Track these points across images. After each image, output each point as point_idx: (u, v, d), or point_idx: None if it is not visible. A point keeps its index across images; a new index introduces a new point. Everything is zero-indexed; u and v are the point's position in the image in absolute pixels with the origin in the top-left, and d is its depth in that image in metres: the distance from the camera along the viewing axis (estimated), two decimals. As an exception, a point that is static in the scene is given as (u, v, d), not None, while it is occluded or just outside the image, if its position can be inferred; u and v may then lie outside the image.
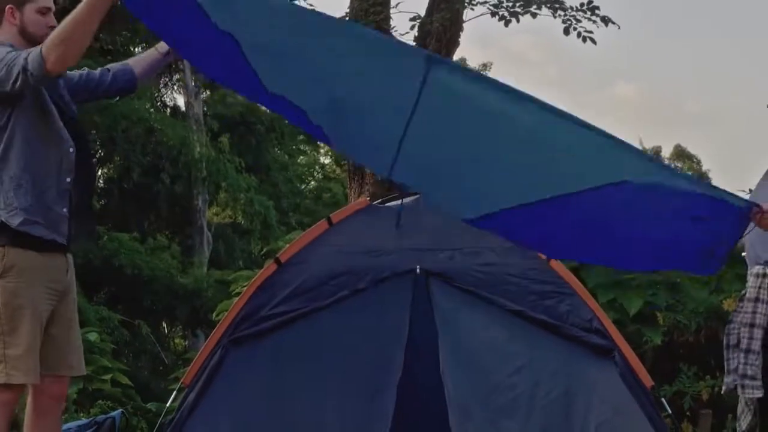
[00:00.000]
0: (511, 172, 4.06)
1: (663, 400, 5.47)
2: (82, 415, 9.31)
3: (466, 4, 9.16)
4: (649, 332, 9.84)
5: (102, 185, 27.88)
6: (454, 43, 9.24)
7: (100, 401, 9.99)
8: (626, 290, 9.61)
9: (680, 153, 52.66)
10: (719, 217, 3.90)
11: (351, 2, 9.21)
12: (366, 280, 5.55)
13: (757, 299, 4.85)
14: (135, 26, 27.00)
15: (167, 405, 5.90)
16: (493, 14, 9.11)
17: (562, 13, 9.15)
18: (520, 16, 8.98)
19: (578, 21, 9.11)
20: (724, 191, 3.91)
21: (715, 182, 47.19)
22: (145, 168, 26.73)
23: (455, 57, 9.95)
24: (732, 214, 3.89)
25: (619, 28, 9.15)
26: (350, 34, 4.06)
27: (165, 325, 27.50)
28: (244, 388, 5.35)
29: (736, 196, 3.96)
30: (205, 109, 29.27)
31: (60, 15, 4.56)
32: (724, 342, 4.77)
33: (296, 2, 4.08)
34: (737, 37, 74.97)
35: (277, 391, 5.42)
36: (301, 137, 34.79)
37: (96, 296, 22.26)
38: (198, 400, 5.25)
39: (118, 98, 4.70)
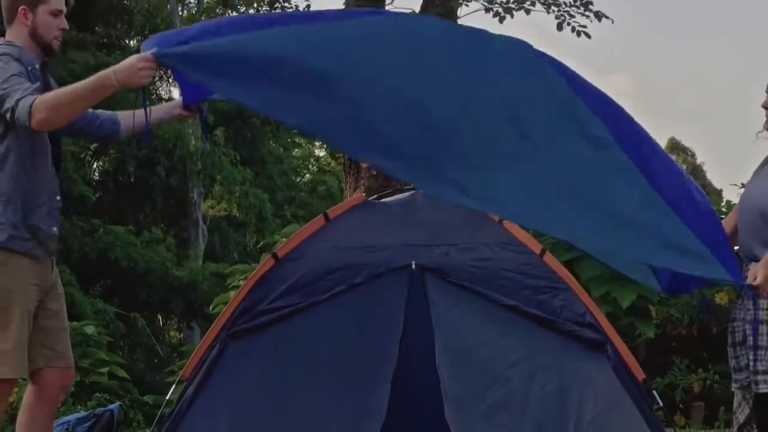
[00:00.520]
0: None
1: (655, 392, 5.50)
2: (79, 407, 9.37)
3: (460, 1, 9.20)
4: (642, 325, 9.92)
5: (97, 178, 27.87)
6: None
7: (97, 394, 10.05)
8: (619, 284, 9.65)
9: (675, 146, 52.65)
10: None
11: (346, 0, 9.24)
12: (362, 275, 5.57)
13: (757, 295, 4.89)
14: (130, 19, 27.08)
15: (167, 397, 5.95)
16: (488, 10, 9.15)
17: (556, 9, 9.20)
18: (514, 12, 9.02)
19: (572, 16, 9.15)
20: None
21: (709, 176, 47.16)
22: (141, 161, 26.72)
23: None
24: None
25: (612, 22, 9.21)
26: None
27: (160, 317, 27.56)
28: (242, 382, 5.38)
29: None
30: (200, 102, 29.23)
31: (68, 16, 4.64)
32: (729, 340, 4.81)
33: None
34: (732, 31, 75.05)
35: (274, 384, 5.45)
36: (296, 130, 34.78)
37: (91, 289, 22.32)
38: (197, 393, 5.27)
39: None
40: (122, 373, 11.16)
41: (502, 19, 8.92)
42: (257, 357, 5.47)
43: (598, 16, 9.09)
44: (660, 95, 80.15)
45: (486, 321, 5.52)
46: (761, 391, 4.55)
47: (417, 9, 9.13)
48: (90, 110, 4.69)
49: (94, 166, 28.47)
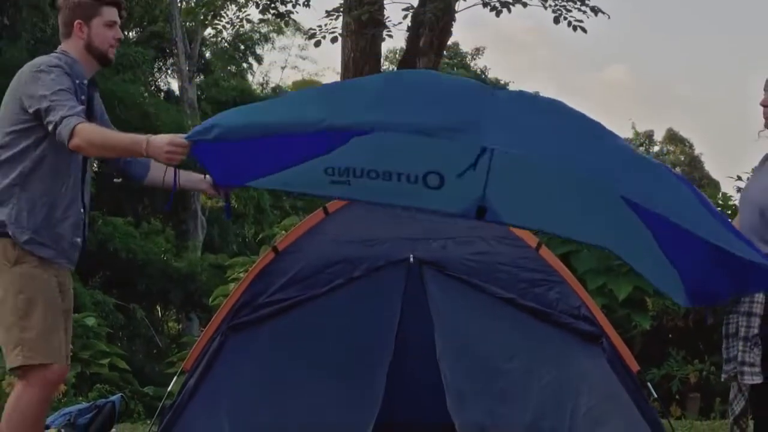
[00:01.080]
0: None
1: (649, 384, 5.57)
2: (80, 398, 9.44)
3: (458, -4, 9.26)
4: (638, 317, 9.97)
5: (96, 169, 27.90)
6: (446, 33, 9.34)
7: (98, 385, 10.12)
8: (615, 276, 9.72)
9: (672, 137, 52.68)
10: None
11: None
12: (361, 268, 5.64)
13: None
14: (129, 10, 27.03)
15: (168, 389, 6.02)
16: (485, 4, 9.19)
17: (553, 4, 9.24)
18: (511, 7, 9.07)
19: (568, 11, 9.20)
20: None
21: (707, 166, 47.21)
22: (140, 152, 26.82)
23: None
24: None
25: (608, 17, 9.26)
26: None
27: (159, 308, 27.58)
28: (242, 374, 5.46)
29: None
30: (199, 93, 29.27)
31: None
32: (723, 331, 4.89)
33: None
34: (729, 23, 74.99)
35: (274, 375, 5.54)
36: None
37: (91, 280, 22.34)
38: (198, 385, 5.34)
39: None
40: (123, 365, 11.23)
41: (498, 13, 8.99)
42: (257, 349, 5.54)
43: (594, 10, 9.15)
44: (657, 85, 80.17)
45: (484, 314, 5.60)
46: (746, 382, 4.63)
47: (415, 3, 9.20)
48: None
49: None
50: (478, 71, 43.90)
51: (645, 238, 4.34)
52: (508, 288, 5.56)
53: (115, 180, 5.18)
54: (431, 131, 3.85)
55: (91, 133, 4.19)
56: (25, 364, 4.31)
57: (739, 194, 11.25)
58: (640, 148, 52.74)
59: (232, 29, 30.95)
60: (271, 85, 36.22)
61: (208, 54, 32.13)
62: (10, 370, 4.47)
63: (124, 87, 23.59)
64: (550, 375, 5.46)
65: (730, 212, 11.10)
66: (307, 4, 9.92)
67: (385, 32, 9.00)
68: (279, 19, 11.37)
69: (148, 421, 8.90)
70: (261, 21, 30.92)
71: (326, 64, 67.77)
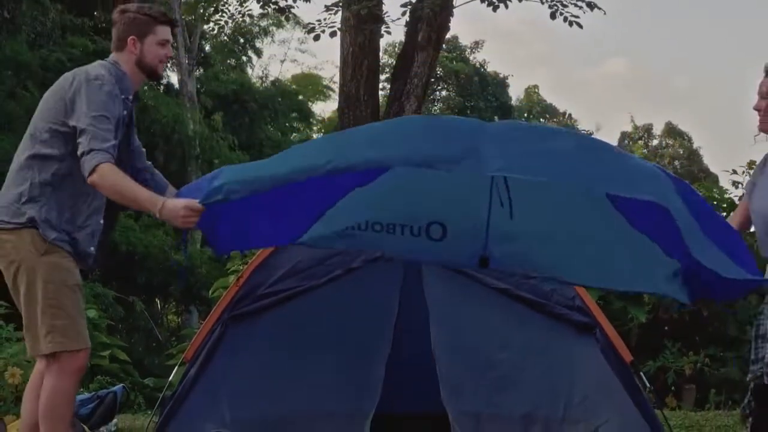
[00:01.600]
0: None
1: (642, 374, 5.63)
2: (81, 389, 9.51)
3: (456, -9, 9.30)
4: (634, 309, 10.02)
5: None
6: (444, 28, 9.41)
7: (98, 377, 10.18)
8: (612, 268, 9.77)
9: (671, 130, 52.73)
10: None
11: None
12: (358, 259, 5.72)
13: None
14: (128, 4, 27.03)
15: (169, 379, 6.08)
16: (482, 0, 9.24)
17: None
18: (508, 2, 9.12)
19: (564, 6, 9.25)
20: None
21: (706, 160, 47.16)
22: (139, 145, 26.84)
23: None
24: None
25: (604, 13, 9.32)
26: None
27: (159, 301, 27.62)
28: (243, 363, 5.54)
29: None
30: (198, 86, 29.28)
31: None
32: (753, 333, 4.89)
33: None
34: (727, 15, 74.98)
35: (273, 365, 5.62)
36: (294, 115, 34.82)
37: (90, 273, 22.40)
38: (199, 374, 5.42)
39: None
40: (123, 356, 11.29)
41: (495, 8, 9.05)
42: (257, 339, 5.62)
43: (591, 6, 9.20)
44: (656, 79, 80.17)
45: (479, 304, 5.69)
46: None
47: (413, -2, 9.24)
48: (151, 166, 5.06)
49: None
50: (477, 65, 43.91)
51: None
52: (503, 279, 5.64)
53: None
54: (432, 162, 3.90)
55: (110, 178, 4.31)
56: (58, 350, 4.43)
57: (734, 188, 11.37)
58: (639, 142, 52.83)
59: (233, 24, 31.11)
60: (271, 78, 36.27)
61: (207, 47, 32.16)
62: (39, 356, 4.58)
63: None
64: (544, 365, 5.54)
65: (725, 206, 11.18)
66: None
67: (383, 28, 9.06)
68: (280, 14, 11.42)
69: (149, 412, 8.98)
70: (262, 16, 31.01)
71: (325, 57, 67.77)
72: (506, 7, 9.06)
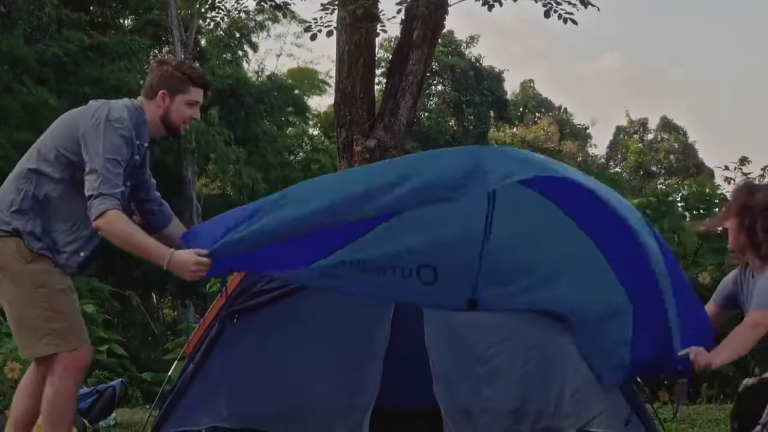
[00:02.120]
0: None
1: None
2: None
3: (451, -10, 9.34)
4: (628, 304, 10.09)
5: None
6: (439, 26, 9.46)
7: (96, 371, 10.25)
8: (605, 264, 9.83)
9: (666, 124, 52.77)
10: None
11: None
12: (355, 257, 5.78)
13: None
14: (125, -1, 27.14)
15: (168, 373, 6.14)
16: (477, -1, 9.27)
17: (543, -3, 9.33)
18: (503, 0, 9.17)
19: (558, 3, 9.29)
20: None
21: (701, 154, 47.22)
22: (135, 140, 26.83)
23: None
24: None
25: (598, 10, 9.37)
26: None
27: (155, 296, 27.68)
28: (241, 359, 5.59)
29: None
30: (194, 81, 29.25)
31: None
32: None
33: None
34: (722, 9, 74.95)
35: (271, 360, 5.68)
36: (290, 109, 34.87)
37: (86, 268, 22.46)
38: (198, 370, 5.47)
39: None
40: (121, 351, 11.34)
41: (491, 7, 9.09)
42: (255, 335, 5.67)
43: (584, 3, 9.24)
44: (651, 73, 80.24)
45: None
46: None
47: (407, -4, 9.27)
48: (159, 198, 5.10)
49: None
50: (473, 59, 43.95)
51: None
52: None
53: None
54: (439, 193, 3.98)
55: (118, 226, 4.36)
56: (57, 351, 4.48)
57: (727, 184, 11.44)
58: (635, 136, 52.91)
59: (228, 19, 31.13)
60: (267, 72, 36.29)
61: (203, 42, 32.18)
62: (37, 359, 4.63)
63: (119, 75, 23.66)
64: (535, 359, 5.61)
65: (717, 201, 11.26)
66: (304, -5, 10.06)
67: (379, 26, 9.12)
68: (277, 11, 11.47)
69: (147, 406, 9.05)
70: (258, 12, 31.04)
71: (321, 52, 67.55)
72: (500, 4, 9.11)
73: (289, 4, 10.26)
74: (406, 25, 9.35)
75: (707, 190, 11.60)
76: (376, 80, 11.41)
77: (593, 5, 9.32)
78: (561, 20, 9.23)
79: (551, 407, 5.75)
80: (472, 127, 42.90)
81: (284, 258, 4.63)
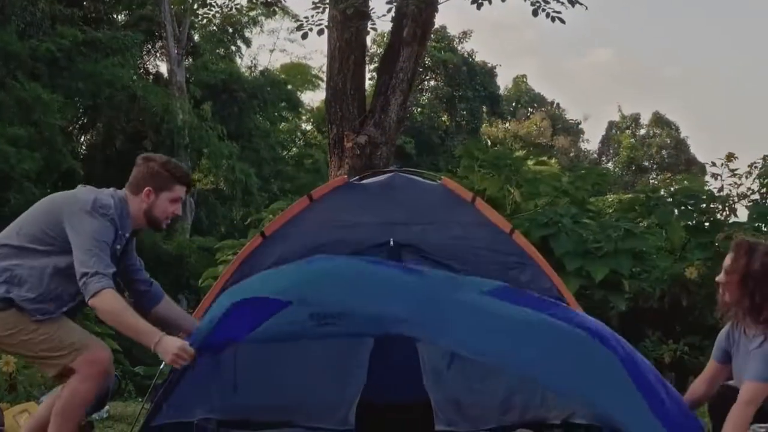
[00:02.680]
0: None
1: None
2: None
3: (440, -12, 9.42)
4: (615, 298, 10.20)
5: (85, 152, 28.01)
6: (429, 24, 9.54)
7: (90, 365, 10.34)
8: (592, 259, 9.94)
9: (659, 120, 52.89)
10: None
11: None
12: (344, 251, 5.75)
13: None
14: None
15: (160, 368, 6.21)
16: (466, -3, 9.33)
17: (530, -5, 9.40)
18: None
19: (546, 2, 9.37)
20: None
21: (692, 150, 47.37)
22: (128, 135, 26.87)
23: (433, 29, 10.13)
24: None
25: (586, 8, 9.45)
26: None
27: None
28: (231, 351, 5.58)
29: None
30: (187, 76, 29.36)
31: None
32: None
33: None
34: (714, 4, 75.11)
35: (262, 354, 5.71)
36: (283, 104, 34.93)
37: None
38: (189, 365, 5.54)
39: None
40: (114, 345, 11.40)
41: (479, 6, 9.18)
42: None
43: (572, 2, 9.32)
44: (644, 68, 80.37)
45: (459, 295, 5.83)
46: None
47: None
48: (149, 279, 5.20)
49: (82, 139, 28.62)
50: (465, 54, 44.05)
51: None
52: (482, 270, 5.74)
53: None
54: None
55: (112, 305, 4.51)
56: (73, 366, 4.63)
57: (713, 180, 11.57)
58: (627, 131, 53.04)
59: (221, 16, 31.16)
60: (260, 68, 36.35)
61: (196, 37, 32.23)
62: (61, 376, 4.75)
63: (113, 70, 23.72)
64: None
65: (704, 197, 11.37)
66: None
67: (369, 24, 9.20)
68: (266, 8, 11.57)
69: (139, 399, 9.13)
70: (250, 9, 31.08)
71: (314, 47, 67.75)
72: (489, 3, 9.19)
73: (280, 1, 10.34)
74: (397, 22, 9.43)
75: (695, 186, 11.72)
76: (369, 75, 11.49)
77: (581, 3, 9.40)
78: (549, 19, 9.31)
79: (538, 399, 5.87)
80: (465, 123, 43.05)
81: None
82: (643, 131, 53.80)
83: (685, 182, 13.05)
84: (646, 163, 51.39)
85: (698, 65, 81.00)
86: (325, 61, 9.77)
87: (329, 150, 9.81)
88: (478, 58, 44.74)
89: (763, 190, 12.01)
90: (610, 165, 51.92)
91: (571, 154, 50.20)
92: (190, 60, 30.68)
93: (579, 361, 4.42)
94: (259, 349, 5.75)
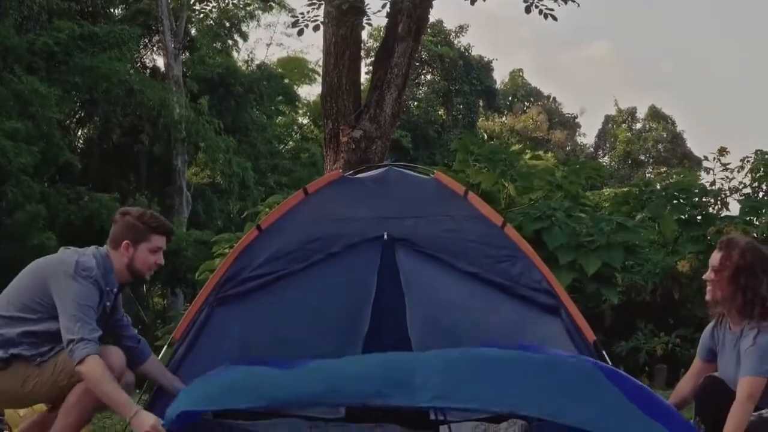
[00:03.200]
0: None
1: (604, 353, 5.85)
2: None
3: (434, -16, 9.46)
4: (607, 292, 10.32)
5: (82, 145, 28.06)
6: (424, 20, 9.60)
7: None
8: (585, 252, 10.05)
9: (655, 114, 52.90)
10: None
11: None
12: (338, 244, 5.96)
13: None
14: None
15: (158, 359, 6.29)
16: (460, -5, 9.37)
17: (523, -8, 9.43)
18: (485, -3, 9.29)
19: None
20: None
21: (689, 143, 47.45)
22: (125, 129, 26.94)
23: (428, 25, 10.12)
24: None
25: (578, 6, 9.50)
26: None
27: (144, 284, 27.75)
28: (228, 343, 5.75)
29: None
30: (184, 70, 29.40)
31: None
32: None
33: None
34: (713, -1, 75.14)
35: (257, 344, 5.80)
36: (280, 98, 34.98)
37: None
38: (186, 354, 5.67)
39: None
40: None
41: (473, 2, 9.24)
42: (242, 320, 5.85)
43: (565, -1, 9.38)
44: (640, 62, 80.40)
45: (451, 286, 5.93)
46: None
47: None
48: (137, 336, 5.36)
49: (79, 133, 28.66)
50: (462, 48, 44.09)
51: None
52: (474, 263, 5.88)
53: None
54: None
55: (95, 372, 4.60)
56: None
57: (705, 174, 11.70)
58: (623, 125, 53.09)
59: (218, 10, 31.20)
60: (257, 62, 36.39)
61: (193, 31, 32.26)
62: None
63: (110, 65, 23.75)
64: (512, 343, 5.76)
65: (697, 191, 11.49)
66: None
67: (364, 20, 9.23)
68: (263, 2, 11.64)
69: (137, 390, 9.21)
70: (246, 4, 31.14)
71: (311, 41, 67.73)
72: (484, 0, 9.26)
73: (275, -2, 10.38)
74: (391, 18, 9.49)
75: (687, 180, 11.85)
76: (366, 70, 11.56)
77: (573, 0, 9.46)
78: (542, 16, 9.36)
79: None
80: (461, 116, 43.10)
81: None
82: (639, 125, 53.84)
83: (678, 176, 13.18)
84: (643, 157, 51.43)
85: (695, 59, 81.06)
86: (321, 55, 9.81)
87: (325, 144, 9.87)
88: (474, 53, 44.79)
89: (755, 184, 12.15)
90: (606, 159, 51.98)
91: (568, 148, 50.24)
92: (187, 54, 30.70)
93: (558, 384, 4.51)
94: (256, 340, 5.86)
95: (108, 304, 4.97)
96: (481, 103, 45.50)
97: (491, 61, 45.67)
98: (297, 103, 37.98)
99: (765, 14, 73.97)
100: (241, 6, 32.21)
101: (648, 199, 11.74)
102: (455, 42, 44.17)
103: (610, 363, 5.94)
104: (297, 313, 5.94)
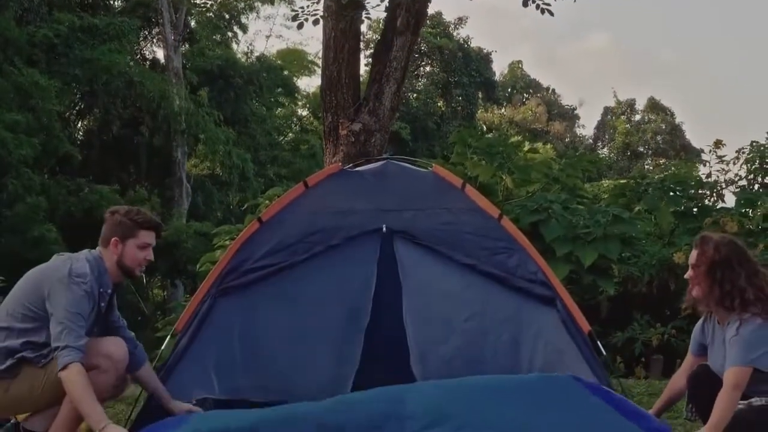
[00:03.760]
0: None
1: (599, 343, 5.93)
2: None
3: (431, -19, 9.52)
4: (604, 283, 10.37)
5: (82, 137, 28.10)
6: (422, 14, 9.67)
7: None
8: (582, 244, 10.11)
9: (654, 105, 52.94)
10: None
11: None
12: (338, 237, 6.07)
13: None
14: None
15: (159, 351, 6.36)
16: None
17: (521, -14, 9.49)
18: (483, -11, 9.34)
19: (536, -7, 9.47)
20: None
21: (688, 135, 47.46)
22: (125, 121, 26.98)
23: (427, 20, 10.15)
24: None
25: (574, 1, 9.58)
26: None
27: (144, 275, 27.82)
28: (230, 334, 5.87)
29: None
30: (184, 62, 29.42)
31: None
32: None
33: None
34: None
35: (259, 335, 5.94)
36: (279, 90, 34.99)
37: (77, 249, 22.60)
38: (189, 344, 5.75)
39: None
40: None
41: (471, -5, 9.33)
42: (244, 311, 5.95)
43: (561, -7, 9.45)
44: (639, 53, 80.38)
45: (448, 277, 6.04)
46: None
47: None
48: (133, 339, 5.40)
49: (79, 125, 28.70)
50: (461, 40, 44.10)
51: None
52: (471, 255, 5.98)
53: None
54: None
55: (76, 382, 4.66)
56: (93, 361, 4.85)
57: (702, 166, 11.79)
58: (622, 117, 53.13)
59: (217, 3, 31.20)
60: (256, 53, 36.41)
61: (193, 23, 32.27)
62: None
63: (110, 56, 23.79)
64: (507, 333, 5.86)
65: (693, 183, 11.56)
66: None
67: (364, 14, 9.30)
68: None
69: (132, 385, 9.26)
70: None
71: (311, 33, 67.72)
72: (482, -5, 9.34)
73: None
74: (390, 12, 9.56)
75: (684, 172, 11.91)
76: (366, 62, 11.62)
77: (570, -6, 9.53)
78: (538, 11, 9.42)
79: (521, 377, 6.06)
80: (461, 108, 43.13)
81: None
82: (638, 117, 53.90)
83: (675, 169, 13.26)
84: (641, 149, 51.49)
85: (694, 51, 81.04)
86: (320, 47, 9.87)
87: (324, 137, 9.94)
88: (473, 44, 44.82)
89: (750, 176, 12.24)
90: (605, 150, 52.05)
91: (567, 140, 50.32)
92: (187, 46, 30.72)
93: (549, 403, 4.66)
94: (258, 331, 5.96)
95: (102, 305, 5.06)
96: (480, 95, 45.54)
97: (490, 53, 45.73)
98: (296, 94, 38.00)
99: (765, 7, 73.91)
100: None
101: (644, 192, 11.81)
102: (454, 34, 44.18)
103: (602, 351, 6.08)
104: (298, 304, 6.04)
